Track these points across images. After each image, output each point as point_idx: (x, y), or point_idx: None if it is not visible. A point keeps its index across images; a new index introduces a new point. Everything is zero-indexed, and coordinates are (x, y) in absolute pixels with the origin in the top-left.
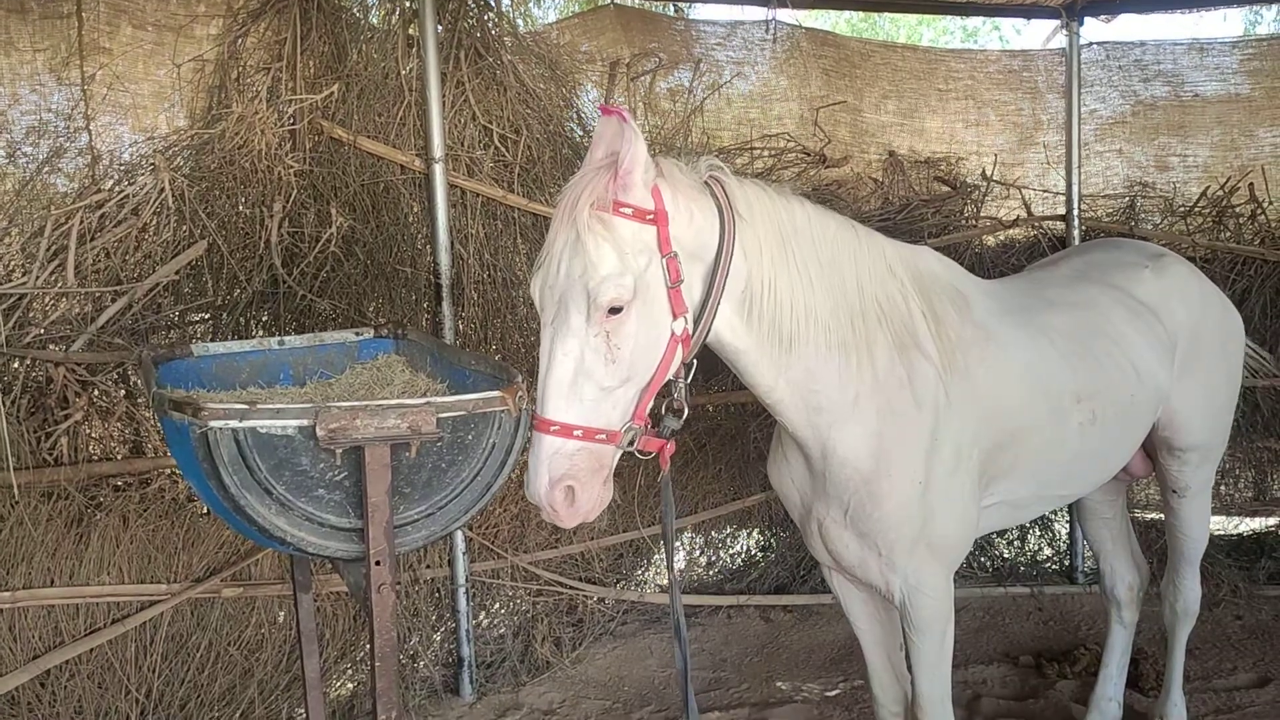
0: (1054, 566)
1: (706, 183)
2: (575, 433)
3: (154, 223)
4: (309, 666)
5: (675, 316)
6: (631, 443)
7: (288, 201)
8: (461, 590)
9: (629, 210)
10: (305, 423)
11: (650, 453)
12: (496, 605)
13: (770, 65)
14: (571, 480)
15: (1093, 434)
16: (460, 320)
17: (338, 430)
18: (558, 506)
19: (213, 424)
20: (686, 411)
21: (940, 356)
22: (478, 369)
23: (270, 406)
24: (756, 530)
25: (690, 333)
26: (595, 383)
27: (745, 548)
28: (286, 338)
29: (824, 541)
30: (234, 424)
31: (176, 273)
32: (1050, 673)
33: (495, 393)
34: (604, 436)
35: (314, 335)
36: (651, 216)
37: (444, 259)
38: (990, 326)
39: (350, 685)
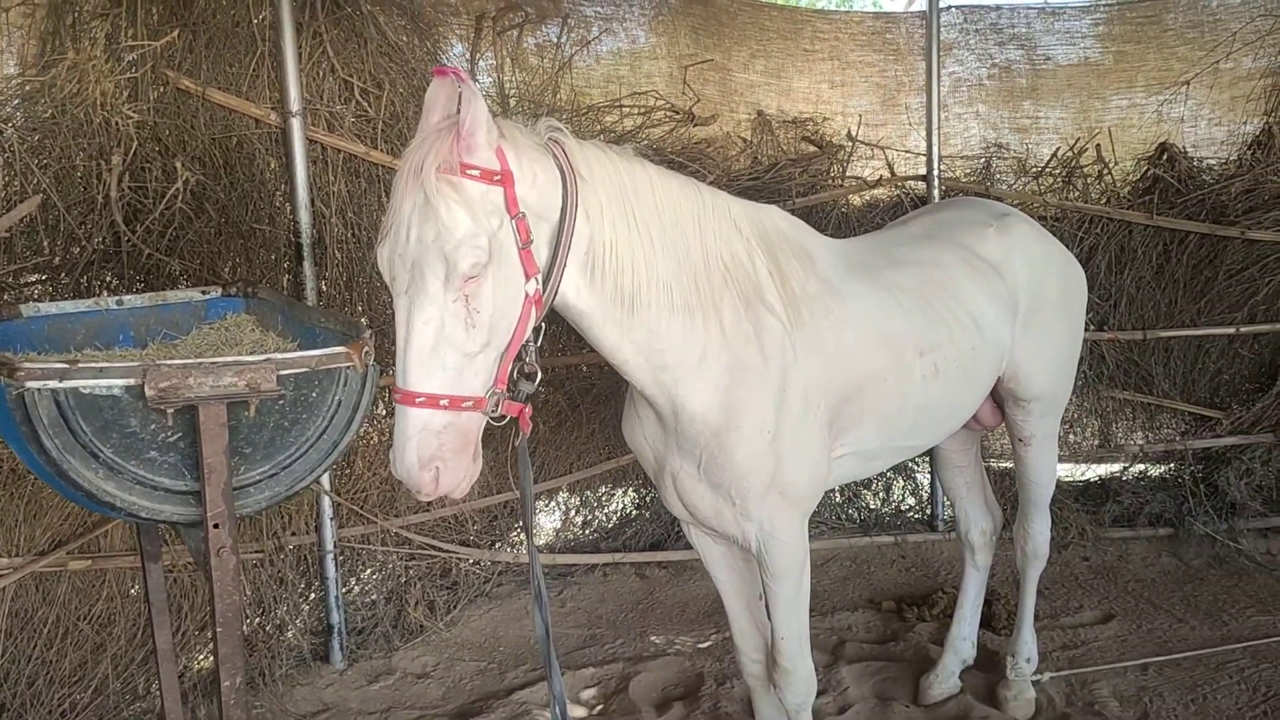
0: (916, 516)
1: (547, 144)
2: (442, 402)
3: None
4: (160, 639)
5: (527, 278)
6: (496, 407)
7: (128, 154)
8: (329, 557)
9: (476, 172)
10: (132, 382)
11: (509, 416)
12: (368, 571)
13: (639, 22)
14: (439, 461)
15: (936, 385)
16: (323, 280)
17: (169, 389)
18: (424, 487)
19: (30, 384)
20: (539, 374)
21: (786, 311)
22: (328, 326)
23: (92, 365)
24: (631, 489)
25: (541, 294)
26: (457, 349)
27: (621, 506)
28: (126, 297)
29: (679, 495)
30: (53, 384)
31: (8, 230)
32: (910, 616)
33: (340, 348)
34: (470, 404)
35: (156, 294)
36: (498, 177)
37: (304, 217)
38: (835, 282)
39: (210, 658)
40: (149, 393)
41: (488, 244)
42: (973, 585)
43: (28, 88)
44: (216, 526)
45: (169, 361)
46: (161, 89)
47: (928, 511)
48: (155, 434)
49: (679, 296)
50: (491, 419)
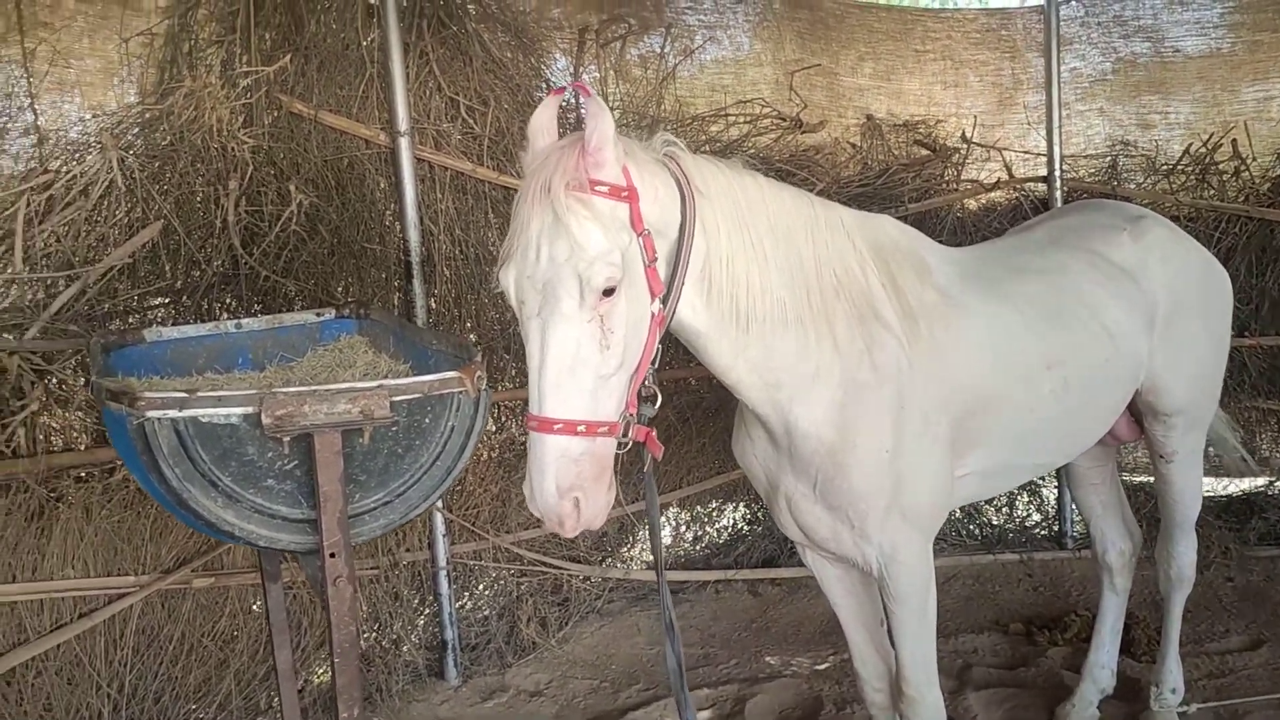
0: (1043, 532)
1: (663, 159)
2: (579, 428)
3: (105, 204)
4: (280, 658)
5: (653, 297)
6: (627, 432)
7: (244, 179)
8: (443, 573)
9: (605, 188)
10: (250, 410)
11: (635, 442)
12: (481, 587)
13: (743, 29)
14: (578, 491)
15: (1066, 400)
16: (432, 298)
17: (284, 417)
18: (566, 519)
19: (150, 414)
20: (659, 397)
21: (900, 324)
22: (439, 348)
23: (211, 394)
24: (743, 504)
25: (664, 313)
26: (593, 371)
27: (732, 521)
28: (244, 320)
29: (794, 517)
30: (173, 414)
31: (132, 255)
32: (1041, 640)
33: (452, 373)
34: (605, 429)
35: (273, 317)
36: (625, 193)
37: (413, 235)
38: (952, 293)
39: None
40: (266, 421)
41: (621, 260)
42: (1111, 610)
43: (147, 115)
44: (333, 555)
45: (285, 389)
46: (275, 113)
47: (1055, 528)
48: (272, 462)
49: (792, 311)
50: (620, 444)
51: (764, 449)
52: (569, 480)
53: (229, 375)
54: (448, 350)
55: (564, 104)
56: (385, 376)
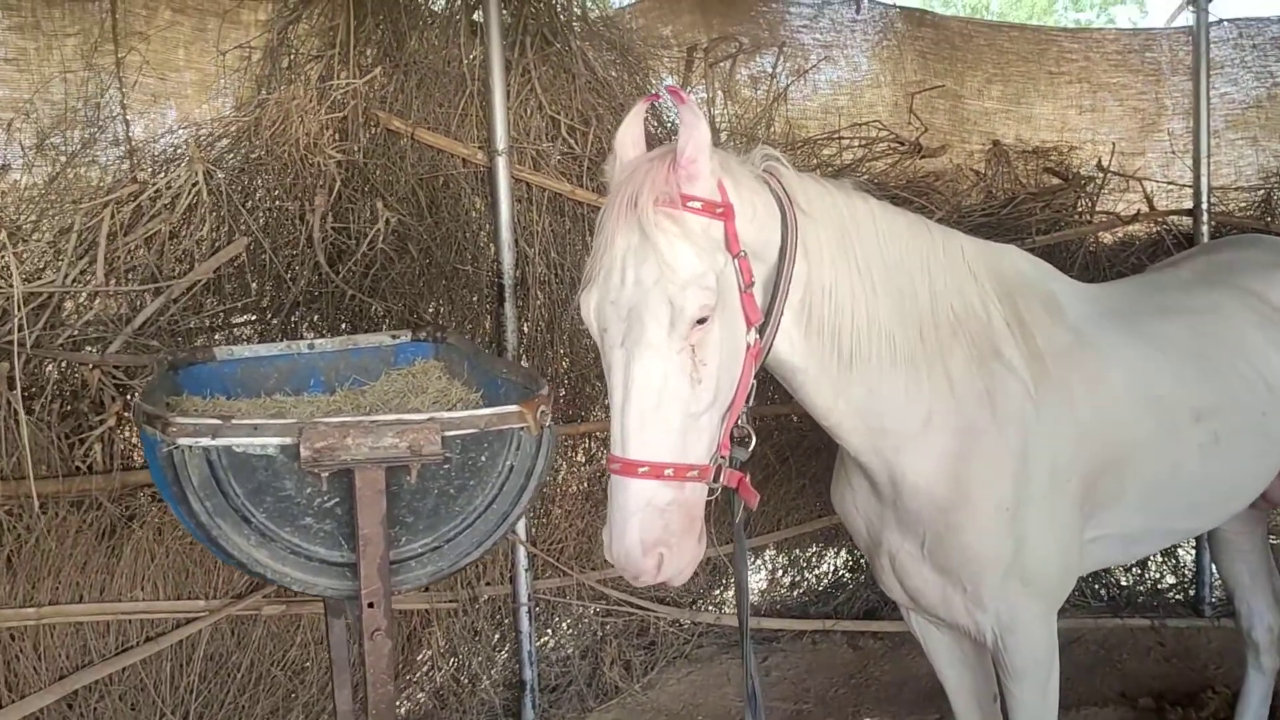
0: (1177, 596)
1: (763, 175)
2: (666, 472)
3: (191, 218)
4: (340, 699)
5: (748, 326)
6: (718, 477)
7: (331, 194)
8: (523, 609)
9: (698, 204)
10: (288, 441)
11: (726, 488)
12: (564, 625)
13: (861, 49)
14: (664, 546)
15: (1216, 457)
16: (525, 322)
17: (324, 450)
18: (645, 573)
19: (181, 441)
20: (753, 439)
21: (1028, 367)
22: (509, 378)
23: (247, 422)
24: (844, 549)
25: (760, 345)
26: (682, 408)
27: (832, 568)
28: (317, 340)
29: (899, 578)
30: (205, 442)
31: (217, 271)
32: (1173, 717)
33: (512, 407)
34: (695, 473)
35: (347, 338)
36: (721, 210)
37: (507, 257)
38: (1087, 333)
39: (401, 709)
40: (304, 453)
41: (716, 283)
42: (1256, 690)
43: (234, 127)
44: (371, 606)
45: (327, 420)
46: (372, 130)
47: (1192, 592)
48: (311, 498)
49: (902, 349)
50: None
51: (866, 500)
52: (655, 533)
53: (298, 398)
54: (517, 381)
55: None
56: (454, 405)
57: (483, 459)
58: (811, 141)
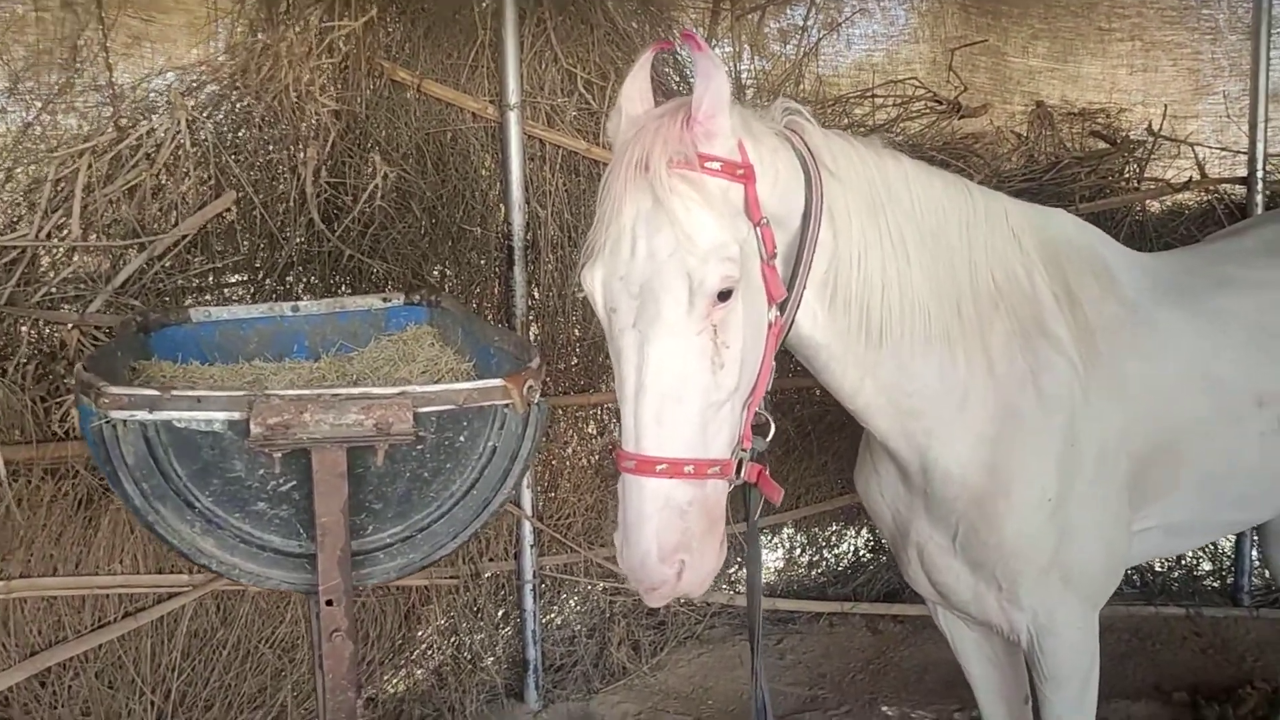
0: (1214, 584)
1: (784, 132)
2: (686, 469)
3: (175, 169)
4: (321, 681)
5: (770, 302)
6: (739, 472)
7: (327, 146)
8: (528, 587)
9: (717, 164)
10: (236, 416)
11: (747, 483)
12: (570, 603)
13: (899, 0)
14: (685, 552)
15: (1278, 446)
16: (535, 287)
17: (277, 427)
18: (665, 586)
19: (114, 414)
20: (772, 426)
21: (1076, 344)
22: (502, 347)
23: (189, 394)
24: (865, 529)
25: (781, 322)
26: (703, 396)
27: (852, 548)
28: (301, 303)
29: (927, 572)
30: (142, 415)
31: (204, 227)
32: (1210, 715)
33: (496, 381)
34: (717, 469)
35: (334, 300)
36: (742, 172)
37: (517, 218)
38: (1142, 306)
39: (403, 685)
40: (254, 430)
41: (739, 255)
42: None
43: (221, 72)
44: (330, 603)
45: (281, 392)
46: (376, 81)
47: (1230, 580)
48: (264, 481)
49: (938, 324)
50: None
51: (893, 487)
52: (674, 537)
53: (278, 364)
54: (509, 351)
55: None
56: (444, 376)
57: (461, 439)
58: (843, 100)
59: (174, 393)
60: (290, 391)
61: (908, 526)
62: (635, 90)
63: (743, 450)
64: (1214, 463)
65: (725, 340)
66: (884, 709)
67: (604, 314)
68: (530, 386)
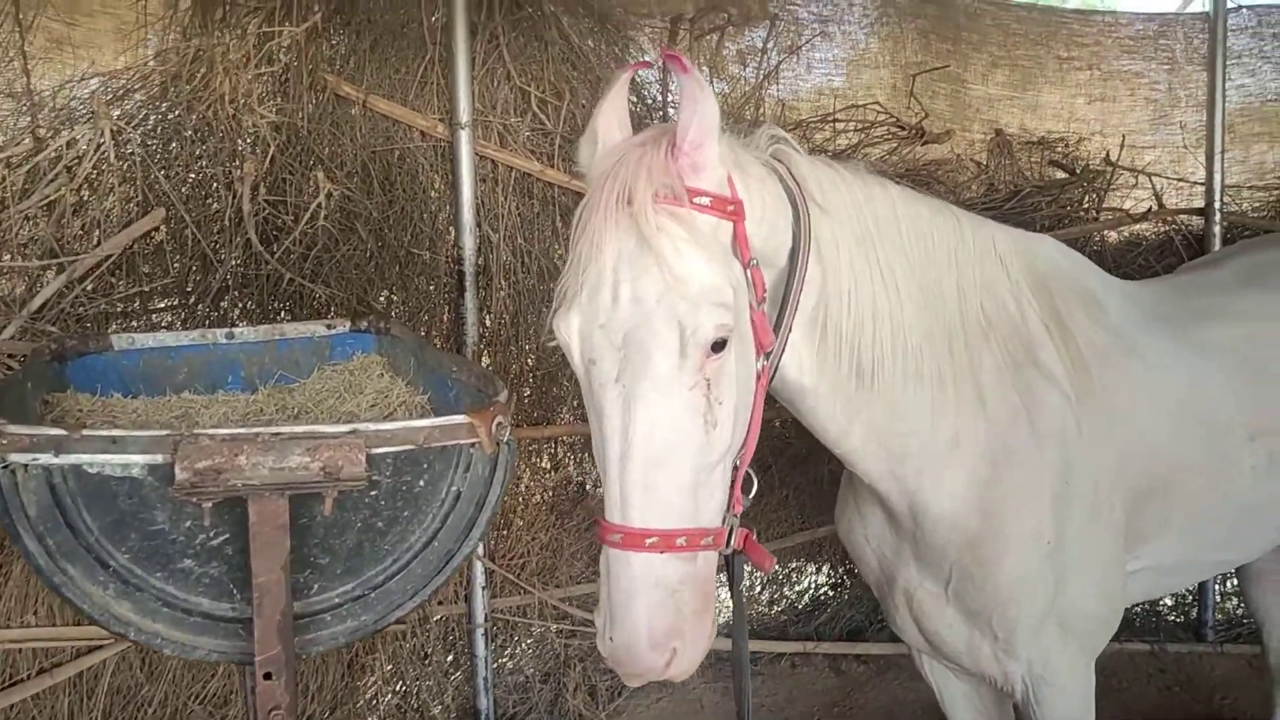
0: (1177, 619)
1: (770, 162)
2: (679, 541)
3: (99, 184)
4: None
5: (759, 350)
6: (729, 541)
7: (264, 161)
8: (479, 631)
9: (707, 200)
10: (158, 459)
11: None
12: (523, 645)
13: (860, 24)
14: (678, 638)
15: (1270, 481)
16: (487, 314)
17: (207, 472)
18: (654, 673)
19: (13, 458)
20: (755, 483)
21: (1069, 376)
22: (461, 378)
23: (102, 434)
24: (827, 565)
25: (769, 371)
26: (696, 458)
27: (814, 585)
28: (236, 329)
29: (917, 620)
30: (46, 459)
31: (130, 247)
32: None
33: (460, 418)
34: (710, 539)
35: (273, 327)
36: (733, 208)
37: (468, 241)
38: (1131, 336)
39: None
40: (180, 475)
41: (733, 300)
42: None
43: (150, 79)
44: (269, 677)
45: (211, 431)
46: (319, 95)
47: (1192, 614)
48: (191, 535)
49: (928, 360)
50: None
51: (879, 531)
52: (667, 620)
53: (210, 398)
54: (469, 383)
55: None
56: (396, 410)
57: (421, 484)
58: (804, 124)
59: (84, 432)
60: (223, 430)
61: (895, 573)
62: (613, 115)
63: (734, 516)
64: (1206, 499)
65: (719, 396)
66: None
67: (581, 366)
68: (499, 423)
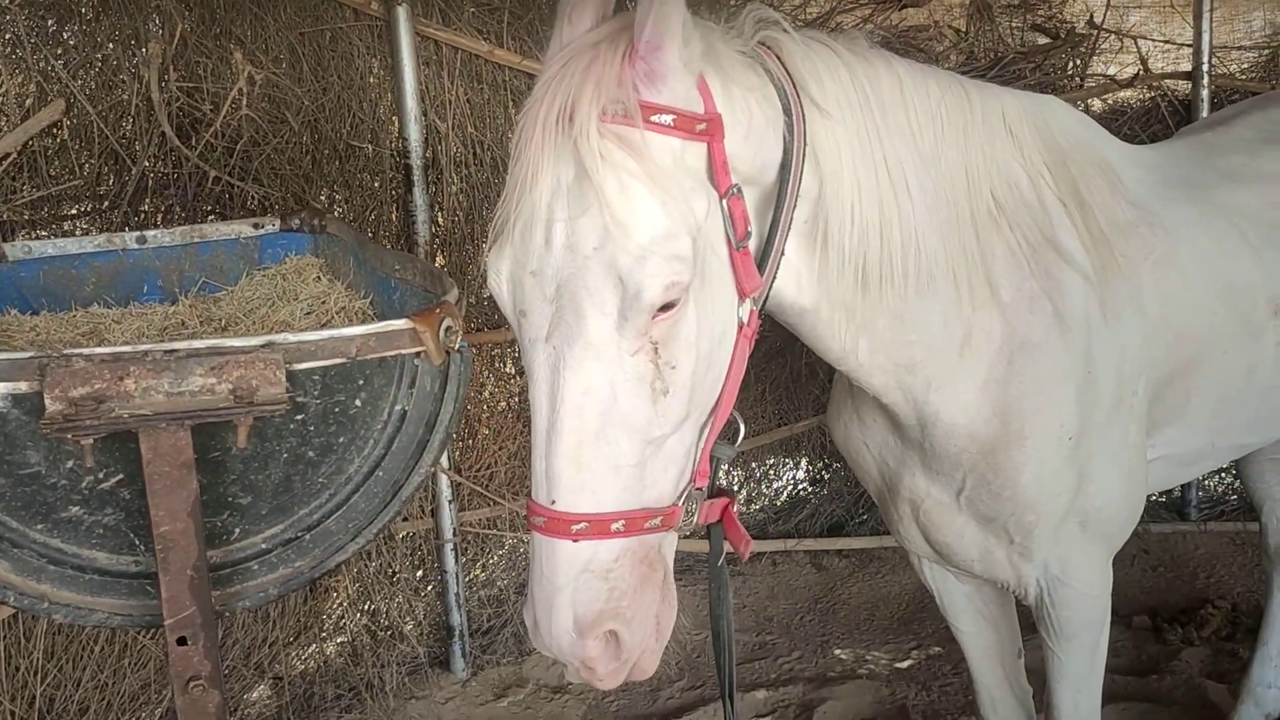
0: (1159, 498)
1: (755, 51)
2: (614, 525)
3: None
4: None
5: (742, 297)
6: (692, 517)
7: (172, 41)
8: (448, 547)
9: (668, 118)
10: (24, 388)
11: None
12: (495, 558)
13: None
14: (615, 620)
15: None
16: (439, 211)
17: (85, 400)
18: (595, 662)
19: None
20: (742, 428)
21: (1090, 254)
22: (406, 278)
23: None
24: (805, 461)
25: (758, 315)
26: (639, 433)
27: (792, 481)
28: (149, 233)
29: (924, 530)
30: None
31: (30, 145)
32: (1172, 637)
33: (400, 322)
34: (658, 520)
35: (191, 228)
36: (704, 126)
37: (414, 132)
38: (1152, 206)
39: (313, 663)
40: (51, 406)
41: (691, 249)
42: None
43: None
44: (184, 642)
45: (85, 351)
46: None
47: (1174, 493)
48: (76, 478)
49: (941, 259)
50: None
51: (880, 437)
52: (595, 605)
53: (122, 310)
54: (416, 283)
55: None
56: (333, 317)
57: (357, 403)
58: None
59: None
60: (101, 350)
61: (898, 481)
62: (586, 3)
63: (697, 489)
64: (1229, 380)
65: (671, 359)
66: (838, 653)
67: (513, 317)
68: (448, 328)
